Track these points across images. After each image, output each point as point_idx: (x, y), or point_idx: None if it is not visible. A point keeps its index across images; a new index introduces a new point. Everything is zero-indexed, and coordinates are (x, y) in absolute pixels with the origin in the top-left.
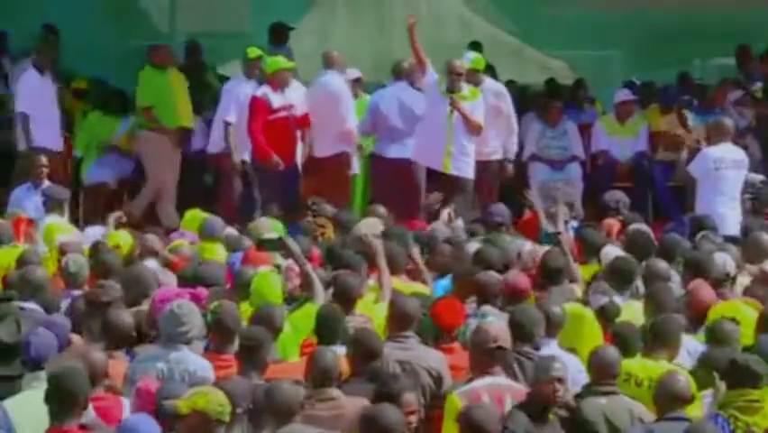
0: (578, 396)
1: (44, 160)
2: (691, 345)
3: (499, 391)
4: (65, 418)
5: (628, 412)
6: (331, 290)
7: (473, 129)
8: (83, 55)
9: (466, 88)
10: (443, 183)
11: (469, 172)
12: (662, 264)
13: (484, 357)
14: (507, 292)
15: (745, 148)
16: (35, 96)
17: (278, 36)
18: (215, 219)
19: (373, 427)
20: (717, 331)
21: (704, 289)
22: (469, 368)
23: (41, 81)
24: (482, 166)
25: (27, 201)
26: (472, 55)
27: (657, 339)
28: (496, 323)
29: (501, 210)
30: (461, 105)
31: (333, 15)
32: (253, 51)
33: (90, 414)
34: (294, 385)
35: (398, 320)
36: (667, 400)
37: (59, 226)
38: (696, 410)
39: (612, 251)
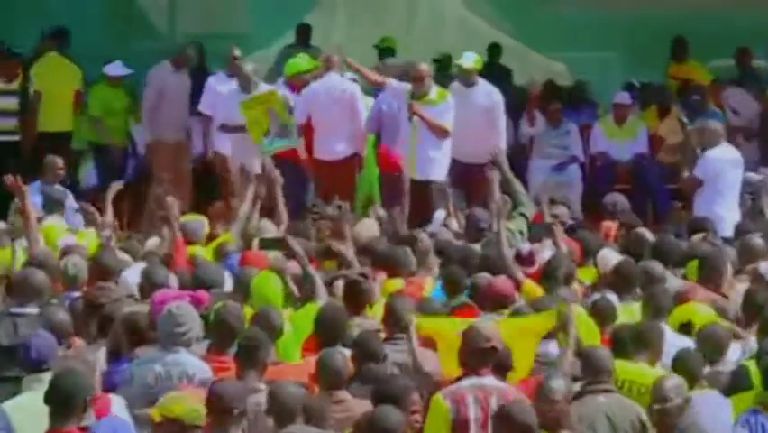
0: (577, 396)
1: (60, 161)
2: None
3: (485, 391)
4: (64, 419)
5: (628, 410)
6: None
7: (438, 133)
8: (82, 56)
9: (434, 91)
10: (414, 188)
11: (431, 175)
12: (657, 266)
13: (475, 357)
14: (494, 297)
15: (738, 147)
16: (221, 101)
17: (304, 36)
18: (194, 222)
19: (375, 429)
20: (707, 338)
21: (698, 292)
22: (460, 366)
23: (231, 87)
24: (473, 169)
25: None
26: (472, 55)
27: (641, 344)
28: (489, 323)
29: (484, 215)
30: (421, 111)
31: (333, 16)
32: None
33: (92, 417)
34: (297, 386)
35: (394, 322)
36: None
37: (58, 228)
38: None
39: (608, 254)
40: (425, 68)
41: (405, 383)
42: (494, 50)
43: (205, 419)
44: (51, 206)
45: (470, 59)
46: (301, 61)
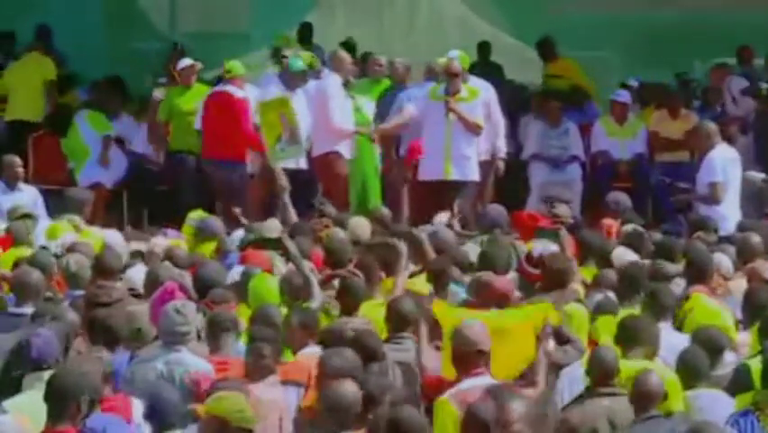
0: (580, 397)
1: (18, 160)
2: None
3: None
4: (58, 418)
5: (629, 412)
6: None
7: (473, 129)
8: (83, 56)
9: (464, 89)
10: (446, 189)
11: (469, 175)
12: (663, 265)
13: (466, 360)
14: (494, 296)
15: (730, 139)
16: None
17: (303, 35)
18: (212, 219)
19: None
20: (703, 338)
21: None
22: (453, 368)
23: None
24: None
25: (3, 201)
26: (457, 54)
27: (630, 339)
28: (477, 325)
29: (497, 212)
30: (458, 108)
31: (332, 16)
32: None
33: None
34: (354, 385)
35: (396, 321)
36: (641, 399)
37: (62, 226)
38: (678, 407)
39: (623, 253)
40: (458, 65)
41: (380, 383)
42: (484, 47)
43: (253, 423)
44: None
45: (454, 56)
46: (237, 64)
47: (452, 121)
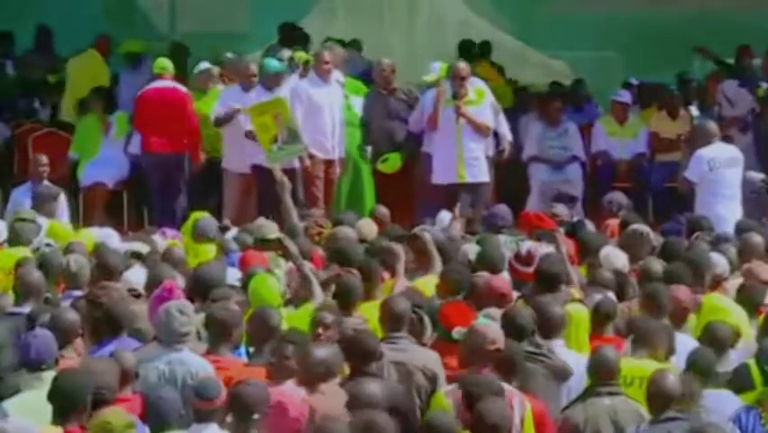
0: (581, 397)
1: (45, 159)
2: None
3: None
4: (65, 419)
5: (633, 412)
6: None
7: (482, 131)
8: None
9: (472, 91)
10: (459, 191)
11: (480, 176)
12: (658, 265)
13: (479, 358)
14: (491, 296)
15: (730, 139)
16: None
17: (284, 36)
18: (209, 220)
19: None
20: (711, 334)
21: (680, 290)
22: (460, 367)
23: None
24: None
25: (27, 202)
26: (437, 66)
27: (637, 339)
28: (492, 324)
29: (503, 212)
30: (466, 111)
31: (332, 16)
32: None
33: None
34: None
35: (391, 321)
36: (658, 399)
37: (66, 226)
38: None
39: (611, 252)
40: (466, 67)
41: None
42: (485, 47)
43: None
44: (42, 204)
45: (436, 70)
46: (167, 62)
47: (462, 124)
